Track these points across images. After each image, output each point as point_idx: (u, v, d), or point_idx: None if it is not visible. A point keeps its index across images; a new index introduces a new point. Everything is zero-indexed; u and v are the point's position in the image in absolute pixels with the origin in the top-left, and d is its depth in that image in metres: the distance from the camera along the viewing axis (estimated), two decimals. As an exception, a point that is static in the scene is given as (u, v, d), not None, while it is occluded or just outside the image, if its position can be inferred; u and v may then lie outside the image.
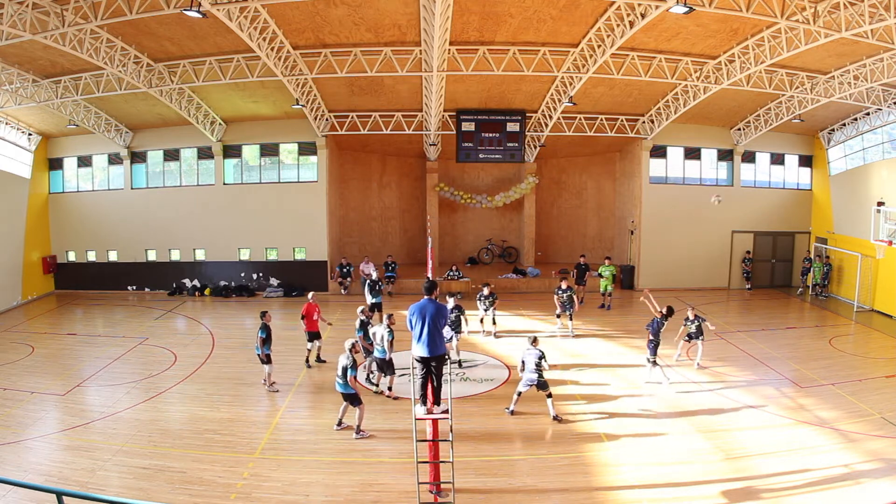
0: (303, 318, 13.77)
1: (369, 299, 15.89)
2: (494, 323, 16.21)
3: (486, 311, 16.05)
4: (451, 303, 13.68)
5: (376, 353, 11.94)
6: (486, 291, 15.96)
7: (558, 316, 16.71)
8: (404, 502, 8.19)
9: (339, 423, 10.51)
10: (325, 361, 13.99)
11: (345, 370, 10.11)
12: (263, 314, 12.43)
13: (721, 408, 11.41)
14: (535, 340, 11.09)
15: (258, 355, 12.32)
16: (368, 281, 16.25)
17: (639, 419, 10.98)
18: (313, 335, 13.78)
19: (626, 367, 13.81)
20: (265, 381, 12.45)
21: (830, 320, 18.74)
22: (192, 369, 13.61)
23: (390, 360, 11.85)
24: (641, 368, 13.26)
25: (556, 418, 10.81)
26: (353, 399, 10.22)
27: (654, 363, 12.62)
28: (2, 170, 19.92)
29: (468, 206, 25.23)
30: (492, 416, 11.18)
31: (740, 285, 23.12)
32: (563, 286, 16.19)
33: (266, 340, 12.20)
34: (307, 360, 13.93)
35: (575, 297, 16.37)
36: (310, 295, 14.21)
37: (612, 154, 25.27)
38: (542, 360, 10.82)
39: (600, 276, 19.62)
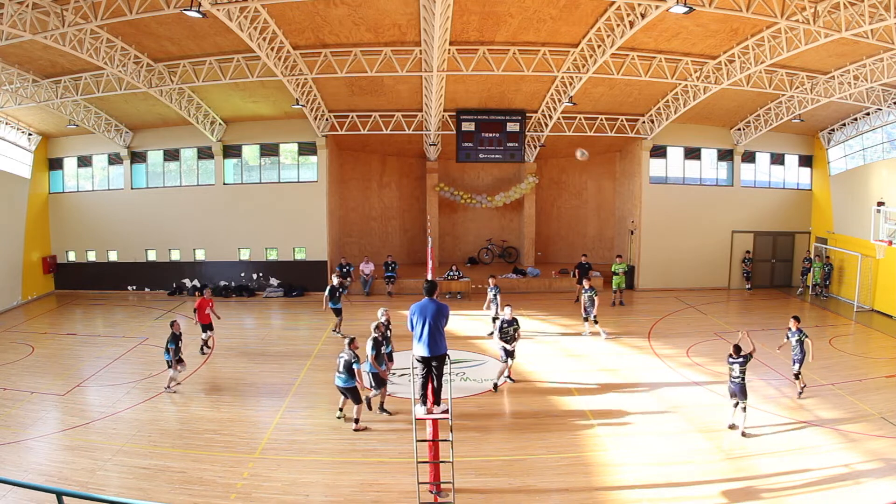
0: (195, 311, 14.73)
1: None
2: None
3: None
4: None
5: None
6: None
7: (586, 319, 16.34)
8: (404, 502, 8.19)
9: (341, 410, 10.90)
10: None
11: (348, 365, 10.33)
12: (172, 324, 12.50)
13: (721, 408, 11.38)
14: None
15: (167, 360, 12.31)
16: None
17: (639, 419, 10.97)
18: (206, 327, 14.81)
19: (626, 367, 13.83)
20: (168, 383, 12.39)
21: (830, 320, 18.72)
22: (192, 369, 13.57)
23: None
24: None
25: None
26: (353, 395, 10.49)
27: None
28: (2, 170, 19.92)
29: (468, 206, 25.21)
30: (492, 416, 11.18)
31: (740, 285, 23.10)
32: (587, 286, 16.48)
33: (174, 348, 12.24)
34: (202, 349, 14.79)
35: (595, 297, 16.19)
36: (205, 291, 15.55)
37: (612, 154, 25.25)
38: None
39: (615, 273, 20.12)
